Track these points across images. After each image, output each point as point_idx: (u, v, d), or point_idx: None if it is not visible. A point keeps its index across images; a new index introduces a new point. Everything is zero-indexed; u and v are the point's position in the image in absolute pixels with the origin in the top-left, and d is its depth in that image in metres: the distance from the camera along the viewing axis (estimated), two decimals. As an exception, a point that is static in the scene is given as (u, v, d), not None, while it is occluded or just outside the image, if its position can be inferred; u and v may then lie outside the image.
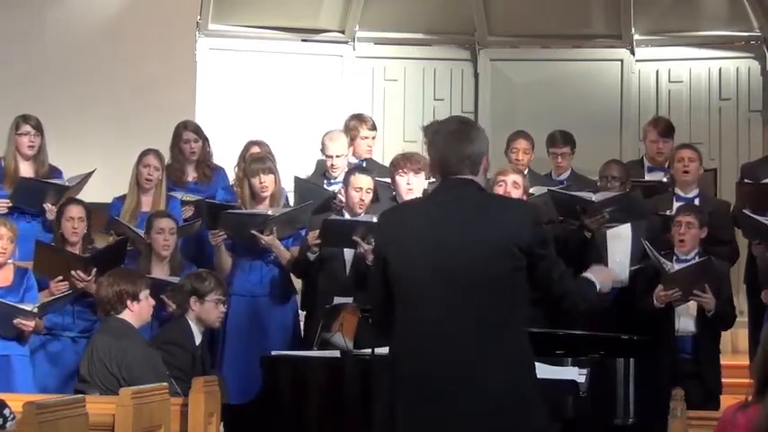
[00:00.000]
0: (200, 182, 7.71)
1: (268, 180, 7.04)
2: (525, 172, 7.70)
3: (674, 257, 6.68)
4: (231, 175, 7.85)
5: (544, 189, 7.33)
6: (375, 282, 3.92)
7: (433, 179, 7.35)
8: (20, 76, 9.59)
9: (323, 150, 7.58)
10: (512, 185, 6.72)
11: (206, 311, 6.19)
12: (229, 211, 6.94)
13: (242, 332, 6.94)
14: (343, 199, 7.08)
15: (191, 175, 7.73)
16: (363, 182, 6.95)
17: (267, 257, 7.02)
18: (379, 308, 3.94)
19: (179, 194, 7.48)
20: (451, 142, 3.87)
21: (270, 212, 6.92)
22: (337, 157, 7.50)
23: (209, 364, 6.35)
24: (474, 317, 3.70)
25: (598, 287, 4.03)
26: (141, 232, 7.00)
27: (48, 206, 7.17)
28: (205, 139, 7.79)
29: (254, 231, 6.85)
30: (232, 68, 9.93)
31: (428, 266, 3.75)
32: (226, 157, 8.02)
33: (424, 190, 6.94)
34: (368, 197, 6.95)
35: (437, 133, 3.95)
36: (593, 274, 4.07)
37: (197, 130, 7.78)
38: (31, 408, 4.00)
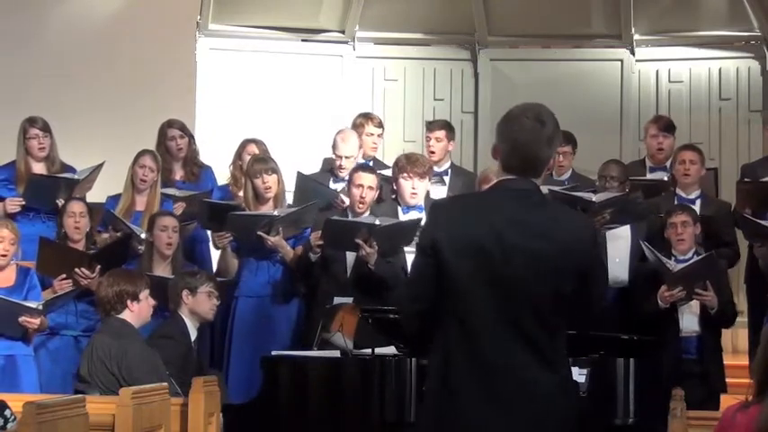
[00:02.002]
0: (188, 180, 7.72)
1: (271, 180, 7.01)
2: None
3: (673, 258, 6.68)
4: (226, 174, 7.85)
5: (545, 189, 7.32)
6: (422, 274, 3.64)
7: (434, 180, 7.39)
8: (20, 77, 9.57)
9: (333, 148, 7.55)
10: None
11: (199, 303, 6.21)
12: (236, 212, 6.92)
13: (249, 333, 6.91)
14: (347, 200, 7.06)
15: (178, 173, 7.74)
16: (365, 179, 6.91)
17: (274, 258, 7.00)
18: (419, 300, 3.64)
19: (170, 191, 7.48)
20: (522, 142, 3.60)
21: (276, 213, 6.90)
22: (347, 158, 7.46)
23: (206, 363, 6.35)
24: (531, 327, 3.56)
25: None
26: (136, 228, 7.00)
27: (60, 202, 7.18)
28: (191, 137, 7.81)
29: (260, 233, 6.83)
30: (232, 68, 9.92)
31: (481, 273, 3.55)
32: (225, 158, 8.01)
33: (427, 193, 6.94)
34: (370, 194, 6.91)
35: (511, 124, 3.63)
36: None
37: (182, 128, 7.79)
38: (30, 408, 3.99)
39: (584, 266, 3.62)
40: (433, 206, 3.98)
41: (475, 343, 3.58)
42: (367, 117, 8.07)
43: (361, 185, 6.88)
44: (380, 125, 8.08)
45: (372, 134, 7.94)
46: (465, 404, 3.58)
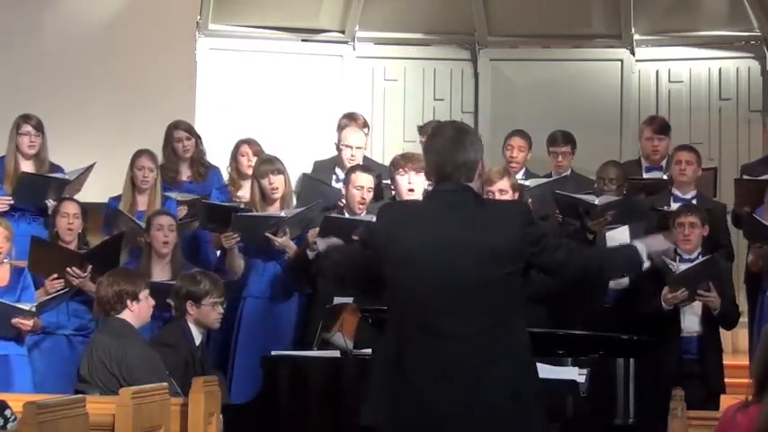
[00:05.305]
0: (195, 181, 7.71)
1: (278, 181, 7.01)
2: (522, 172, 7.73)
3: (678, 258, 6.68)
4: (225, 174, 7.85)
5: (540, 181, 7.38)
6: (359, 253, 4.27)
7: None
8: (19, 75, 9.58)
9: (339, 142, 7.53)
10: (499, 194, 6.38)
11: (204, 315, 6.14)
12: (242, 213, 6.91)
13: (256, 334, 6.88)
14: (344, 200, 7.06)
15: (185, 174, 7.73)
16: (365, 180, 6.93)
17: (281, 258, 6.99)
18: (351, 269, 4.23)
19: (173, 195, 7.48)
20: (447, 149, 3.90)
21: (283, 214, 6.89)
22: (357, 148, 7.49)
23: (208, 365, 6.34)
24: (469, 320, 3.75)
25: (643, 249, 4.00)
26: (142, 223, 6.99)
27: (50, 202, 7.17)
28: (198, 138, 7.80)
29: (267, 234, 6.82)
30: (232, 68, 9.92)
31: (427, 271, 3.81)
32: (226, 158, 8.01)
33: (424, 190, 6.93)
34: (369, 196, 6.93)
35: (434, 138, 3.99)
36: (642, 240, 4.09)
37: (189, 129, 7.78)
38: (31, 408, 4.00)
39: (514, 246, 3.79)
40: (380, 208, 4.25)
41: (419, 344, 3.80)
42: (351, 118, 8.01)
43: (361, 187, 6.90)
44: (365, 125, 8.05)
45: None
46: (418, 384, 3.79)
